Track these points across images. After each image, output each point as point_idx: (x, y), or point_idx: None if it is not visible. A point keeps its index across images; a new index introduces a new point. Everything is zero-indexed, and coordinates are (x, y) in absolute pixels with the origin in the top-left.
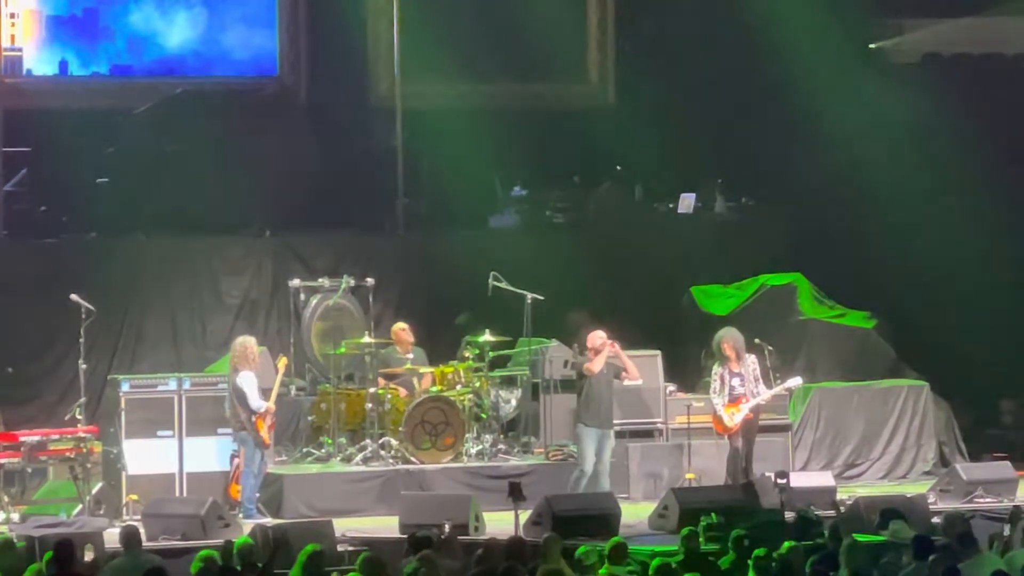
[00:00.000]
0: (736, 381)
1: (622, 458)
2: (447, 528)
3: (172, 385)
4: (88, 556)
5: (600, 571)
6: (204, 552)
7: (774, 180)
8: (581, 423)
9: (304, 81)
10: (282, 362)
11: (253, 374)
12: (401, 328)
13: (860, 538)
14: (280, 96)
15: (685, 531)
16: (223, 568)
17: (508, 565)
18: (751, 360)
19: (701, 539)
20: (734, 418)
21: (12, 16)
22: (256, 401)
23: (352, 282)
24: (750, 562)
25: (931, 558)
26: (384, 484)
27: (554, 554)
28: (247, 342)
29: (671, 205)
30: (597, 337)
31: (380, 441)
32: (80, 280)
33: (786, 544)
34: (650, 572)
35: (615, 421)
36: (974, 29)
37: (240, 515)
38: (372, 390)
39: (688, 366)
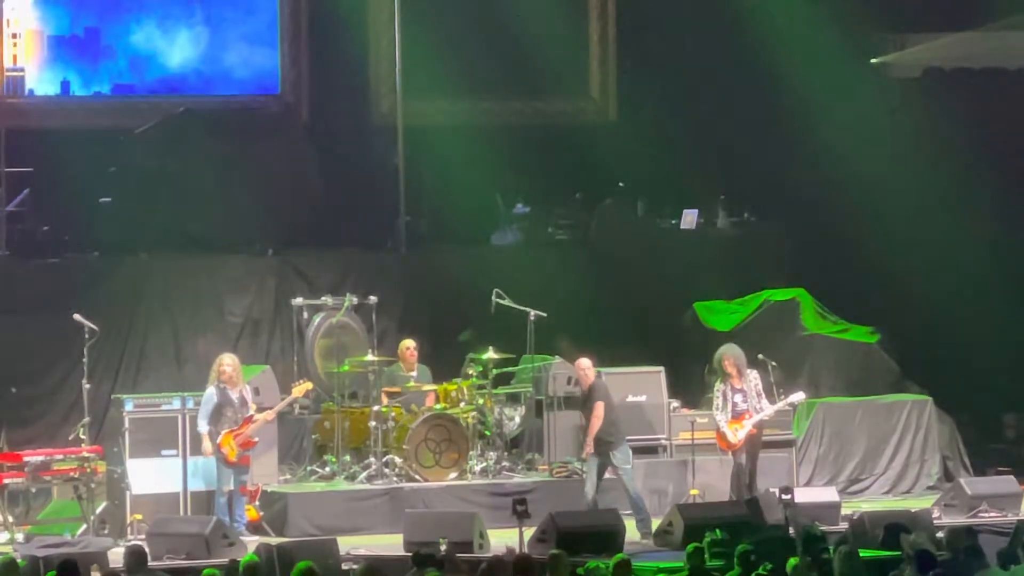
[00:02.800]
0: (739, 397)
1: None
2: (444, 546)
3: (176, 404)
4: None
5: None
6: (207, 571)
7: (776, 196)
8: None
9: (306, 100)
10: (301, 388)
11: (212, 389)
12: (406, 348)
13: (865, 554)
14: (282, 115)
15: (691, 548)
16: None
17: None
18: (753, 376)
19: (707, 555)
20: (737, 434)
21: (14, 36)
22: (199, 418)
23: (355, 300)
24: None
25: (932, 572)
26: (388, 502)
27: (562, 572)
28: (219, 358)
29: (674, 221)
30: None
31: (384, 459)
32: (83, 300)
33: (792, 561)
34: None
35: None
36: (975, 43)
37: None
38: (376, 408)
39: (692, 382)
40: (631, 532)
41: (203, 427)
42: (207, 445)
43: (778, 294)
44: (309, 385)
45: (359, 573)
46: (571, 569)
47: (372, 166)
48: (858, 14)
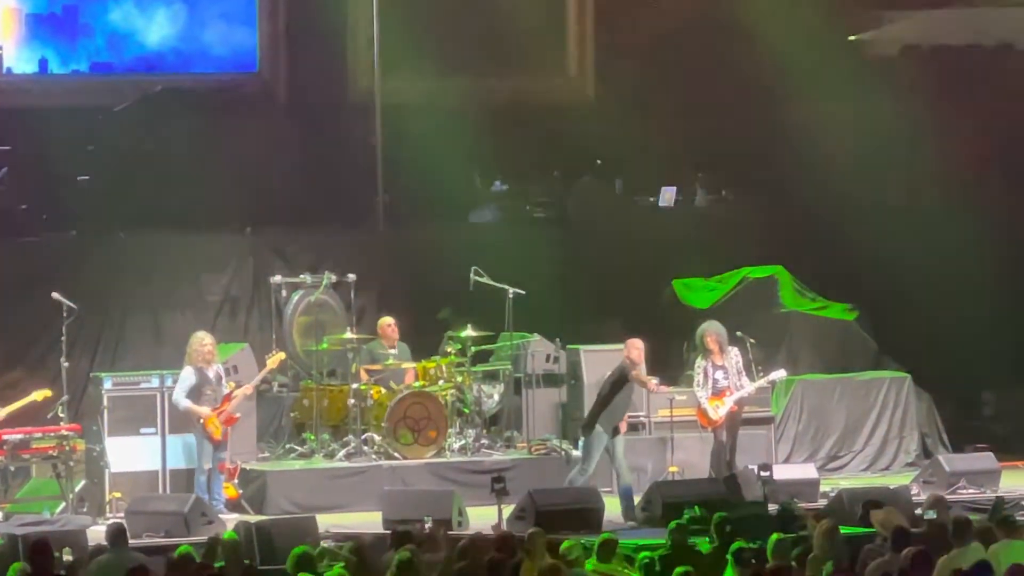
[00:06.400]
0: (720, 374)
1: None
2: (429, 524)
3: (155, 382)
4: (67, 558)
5: (587, 565)
6: (182, 548)
7: (755, 173)
8: (599, 425)
9: (284, 78)
10: (275, 358)
11: (191, 369)
12: (387, 324)
13: (843, 530)
14: (260, 93)
15: (672, 525)
16: (200, 565)
17: (495, 558)
18: (734, 353)
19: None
20: (719, 411)
21: None
22: (176, 395)
23: (333, 278)
24: (729, 557)
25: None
26: (367, 480)
27: (539, 549)
28: (192, 337)
29: (652, 199)
30: (635, 348)
31: (363, 437)
32: (61, 278)
33: (773, 536)
34: (636, 568)
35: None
36: (953, 20)
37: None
38: (354, 386)
39: (670, 360)
40: (610, 509)
41: (186, 402)
42: (202, 410)
43: (757, 271)
44: (282, 355)
45: (348, 550)
46: (549, 546)
47: (350, 144)
48: None
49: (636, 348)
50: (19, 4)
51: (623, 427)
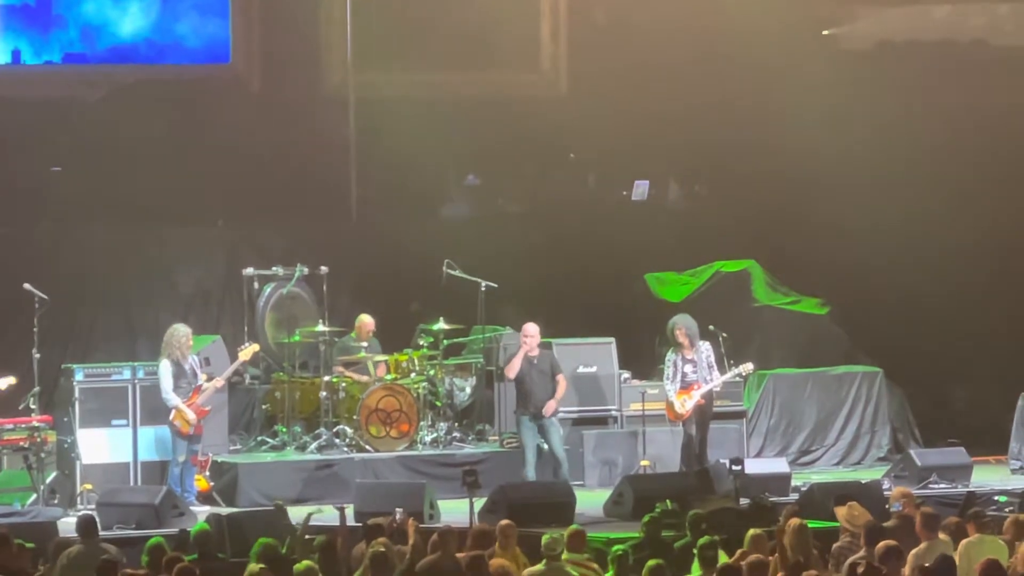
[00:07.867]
0: (689, 368)
1: (576, 445)
2: (399, 515)
3: (126, 374)
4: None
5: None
6: (153, 540)
7: (728, 167)
8: (516, 414)
9: (257, 70)
10: (248, 351)
11: (168, 362)
12: (365, 321)
13: (814, 524)
14: (233, 85)
15: (647, 518)
16: (171, 558)
17: (475, 555)
18: (705, 347)
19: None
20: (685, 405)
21: None
22: (165, 393)
23: (306, 271)
24: (695, 551)
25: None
26: (339, 472)
27: (510, 542)
28: (169, 330)
29: (624, 193)
30: (523, 334)
31: (335, 429)
32: (33, 269)
33: (750, 532)
34: (609, 560)
35: (572, 408)
36: (928, 16)
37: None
38: (326, 378)
39: (643, 353)
40: (581, 502)
41: (176, 399)
42: (191, 415)
43: (729, 265)
44: (255, 347)
45: (318, 546)
46: (520, 540)
47: (323, 137)
48: None
49: (524, 334)
50: None
51: (547, 409)
